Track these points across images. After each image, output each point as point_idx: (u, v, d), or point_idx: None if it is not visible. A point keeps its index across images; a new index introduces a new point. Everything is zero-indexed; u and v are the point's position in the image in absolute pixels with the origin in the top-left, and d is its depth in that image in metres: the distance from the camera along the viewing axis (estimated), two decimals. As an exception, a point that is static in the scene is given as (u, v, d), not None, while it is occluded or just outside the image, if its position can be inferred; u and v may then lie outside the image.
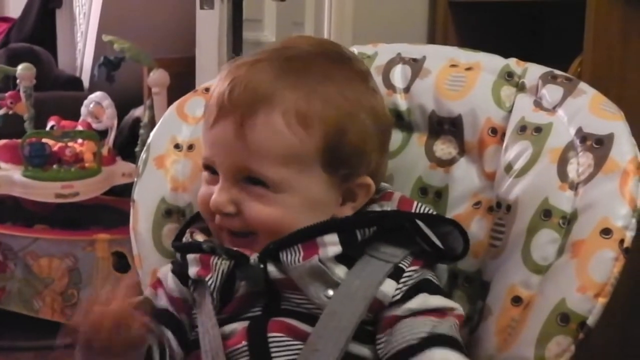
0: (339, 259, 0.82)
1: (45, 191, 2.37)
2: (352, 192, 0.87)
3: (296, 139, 0.82)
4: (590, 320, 0.77)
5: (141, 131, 2.56)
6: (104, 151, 2.54)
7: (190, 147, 1.04)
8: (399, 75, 1.02)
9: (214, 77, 1.11)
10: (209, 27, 2.14)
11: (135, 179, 1.05)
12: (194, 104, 1.07)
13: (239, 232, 0.85)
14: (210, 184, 0.87)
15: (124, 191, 2.41)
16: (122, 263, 2.33)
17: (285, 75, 0.83)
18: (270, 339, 0.80)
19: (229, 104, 0.83)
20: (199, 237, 0.89)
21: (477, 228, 0.92)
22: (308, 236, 0.82)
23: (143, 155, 1.06)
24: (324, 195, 0.85)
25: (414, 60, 1.02)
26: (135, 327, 0.78)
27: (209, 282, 0.84)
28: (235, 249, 0.84)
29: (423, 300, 0.81)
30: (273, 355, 0.80)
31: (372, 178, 0.88)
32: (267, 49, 0.89)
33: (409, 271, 0.83)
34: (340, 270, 0.82)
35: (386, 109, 0.94)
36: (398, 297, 0.81)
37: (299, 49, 0.87)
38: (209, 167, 0.87)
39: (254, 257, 0.83)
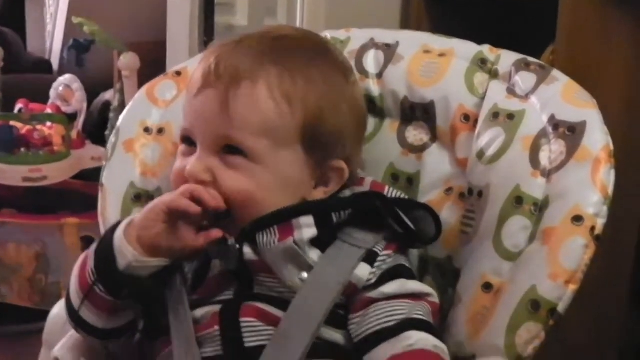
0: (313, 242, 0.82)
1: (12, 175, 2.33)
2: (325, 176, 0.88)
3: (278, 111, 0.83)
4: (561, 307, 0.77)
5: (111, 115, 2.53)
6: (73, 135, 2.51)
7: (160, 130, 1.03)
8: (371, 61, 1.01)
9: (184, 61, 1.10)
10: (180, 10, 2.12)
11: (104, 163, 1.04)
12: (164, 88, 1.06)
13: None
14: (186, 156, 0.87)
15: (93, 175, 2.38)
16: (91, 248, 2.30)
17: (271, 53, 0.85)
18: (243, 324, 0.80)
19: (215, 74, 0.84)
20: None
21: (449, 215, 0.92)
22: (284, 218, 0.83)
23: (112, 139, 1.04)
24: (298, 174, 0.86)
25: (387, 45, 1.02)
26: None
27: (185, 263, 0.84)
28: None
29: (401, 284, 0.82)
30: (245, 340, 0.79)
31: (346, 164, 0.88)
32: (251, 33, 0.90)
33: (383, 255, 0.83)
34: (314, 254, 0.82)
35: (364, 103, 0.95)
36: (372, 280, 0.82)
37: (285, 34, 0.90)
38: (187, 139, 0.87)
39: (231, 240, 0.83)
